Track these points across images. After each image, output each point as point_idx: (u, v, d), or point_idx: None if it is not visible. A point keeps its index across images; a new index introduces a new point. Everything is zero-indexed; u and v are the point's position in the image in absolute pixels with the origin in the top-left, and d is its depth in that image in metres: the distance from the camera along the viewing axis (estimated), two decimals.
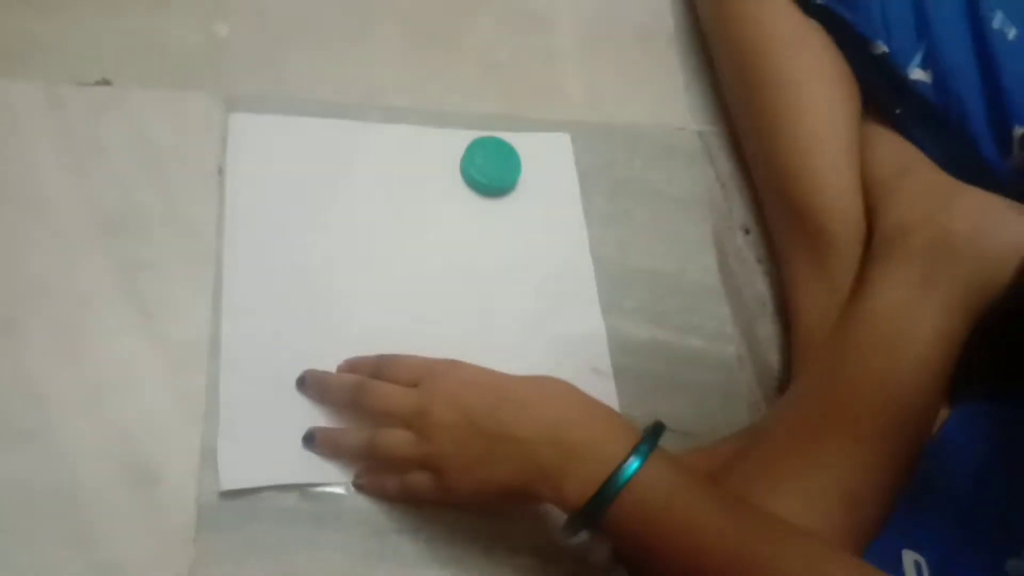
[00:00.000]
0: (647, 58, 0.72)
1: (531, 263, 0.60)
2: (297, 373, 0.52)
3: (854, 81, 0.61)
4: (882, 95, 0.61)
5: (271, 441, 0.50)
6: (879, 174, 0.59)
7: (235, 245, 0.54)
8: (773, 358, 0.62)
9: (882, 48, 0.59)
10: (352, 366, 0.52)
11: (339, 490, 0.50)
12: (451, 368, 0.48)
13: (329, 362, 0.53)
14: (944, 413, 0.52)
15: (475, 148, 0.61)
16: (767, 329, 0.63)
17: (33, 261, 0.52)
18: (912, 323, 0.51)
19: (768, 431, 0.52)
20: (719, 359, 0.61)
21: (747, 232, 0.67)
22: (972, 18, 0.57)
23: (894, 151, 0.60)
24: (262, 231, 0.55)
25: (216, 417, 0.50)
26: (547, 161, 0.64)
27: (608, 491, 0.40)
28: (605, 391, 0.57)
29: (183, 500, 0.48)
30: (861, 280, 0.55)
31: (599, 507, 0.40)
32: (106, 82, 0.58)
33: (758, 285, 0.65)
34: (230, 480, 0.48)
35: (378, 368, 0.50)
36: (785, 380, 0.61)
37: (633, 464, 0.40)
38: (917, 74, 0.58)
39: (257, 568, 0.47)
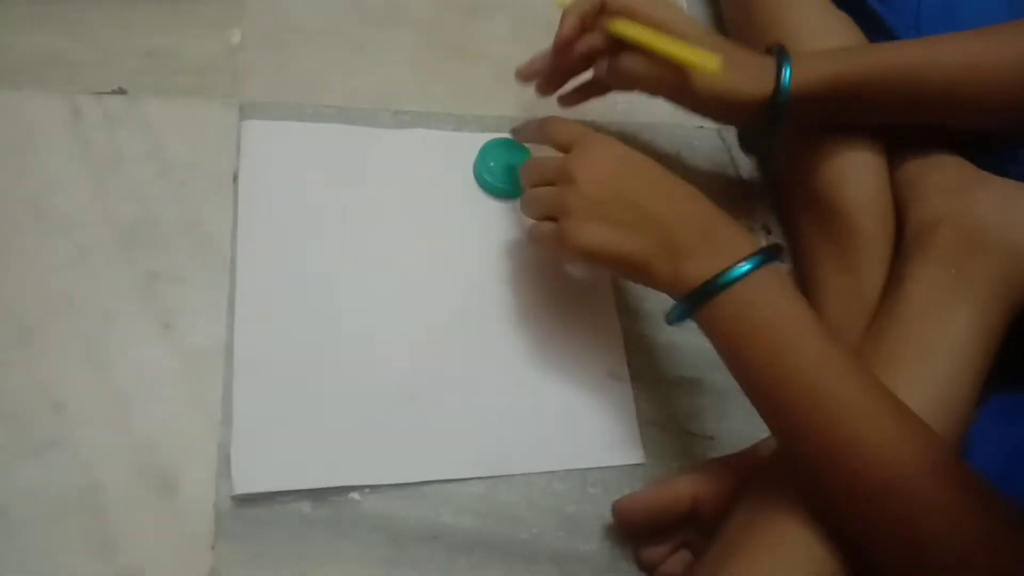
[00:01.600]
0: None
1: (546, 266, 0.59)
2: (310, 379, 0.52)
3: None
4: None
5: (284, 445, 0.50)
6: (906, 169, 0.58)
7: (248, 251, 0.55)
8: None
9: None
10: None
11: (355, 496, 0.50)
12: (601, 140, 0.50)
13: (344, 368, 0.53)
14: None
15: (488, 151, 0.61)
16: None
17: (53, 272, 0.52)
18: (947, 322, 0.50)
19: None
20: None
21: (768, 231, 0.66)
22: (1008, 16, 0.56)
23: (920, 145, 0.59)
24: (275, 237, 0.56)
25: (231, 425, 0.50)
26: None
27: (715, 283, 0.44)
28: (622, 395, 0.56)
29: (202, 507, 0.48)
30: (892, 279, 0.54)
31: (703, 297, 0.44)
32: (122, 91, 0.58)
33: None
34: (244, 484, 0.48)
35: (539, 131, 0.55)
36: None
37: (744, 267, 0.43)
38: None
39: (274, 575, 0.47)
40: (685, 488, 0.50)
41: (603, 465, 0.54)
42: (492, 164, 0.60)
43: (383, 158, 0.60)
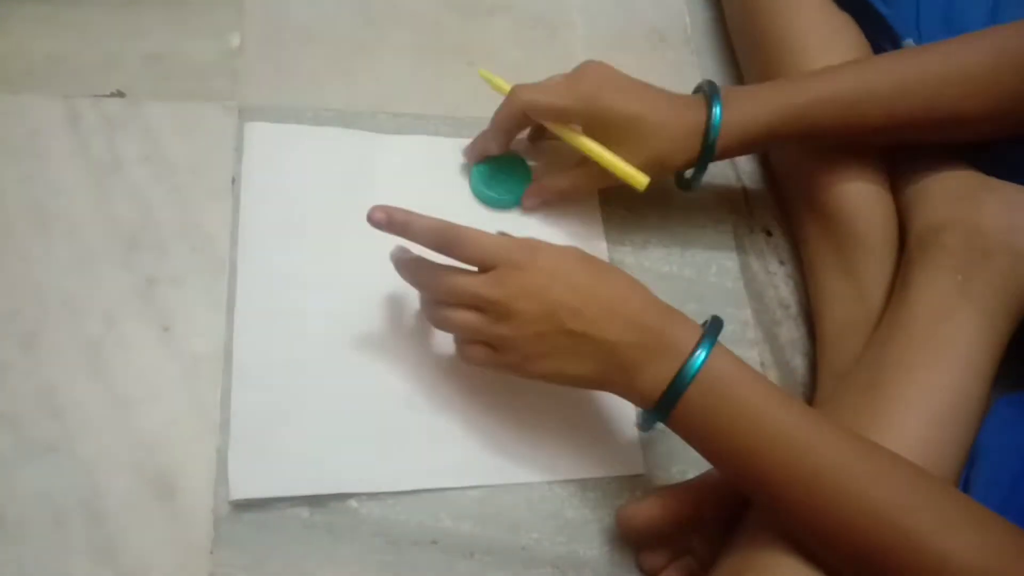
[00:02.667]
0: (663, 59, 0.72)
1: None
2: (308, 385, 0.52)
3: None
4: None
5: (281, 452, 0.50)
6: (910, 174, 0.58)
7: (248, 254, 0.55)
8: (797, 362, 0.61)
9: (911, 45, 0.58)
10: (412, 233, 0.49)
11: (353, 503, 0.50)
12: (525, 257, 0.46)
13: (342, 375, 0.52)
14: None
15: (483, 162, 0.60)
16: (790, 333, 0.62)
17: (54, 276, 0.52)
18: (952, 328, 0.49)
19: None
20: None
21: (769, 234, 0.66)
22: (1004, 15, 0.56)
23: (924, 150, 0.58)
24: (275, 240, 0.55)
25: (229, 429, 0.50)
26: None
27: (679, 384, 0.43)
28: (621, 405, 0.55)
29: (200, 512, 0.48)
30: (898, 285, 0.54)
31: (669, 404, 0.44)
32: (120, 94, 0.58)
33: (780, 288, 0.64)
34: (240, 490, 0.48)
35: (443, 241, 0.48)
36: (810, 385, 0.59)
37: (700, 357, 0.43)
38: None
39: None
40: (687, 495, 0.50)
41: (602, 476, 0.53)
42: (487, 175, 0.60)
43: (384, 163, 0.60)
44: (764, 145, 0.56)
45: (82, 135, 0.56)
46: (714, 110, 0.54)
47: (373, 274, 0.56)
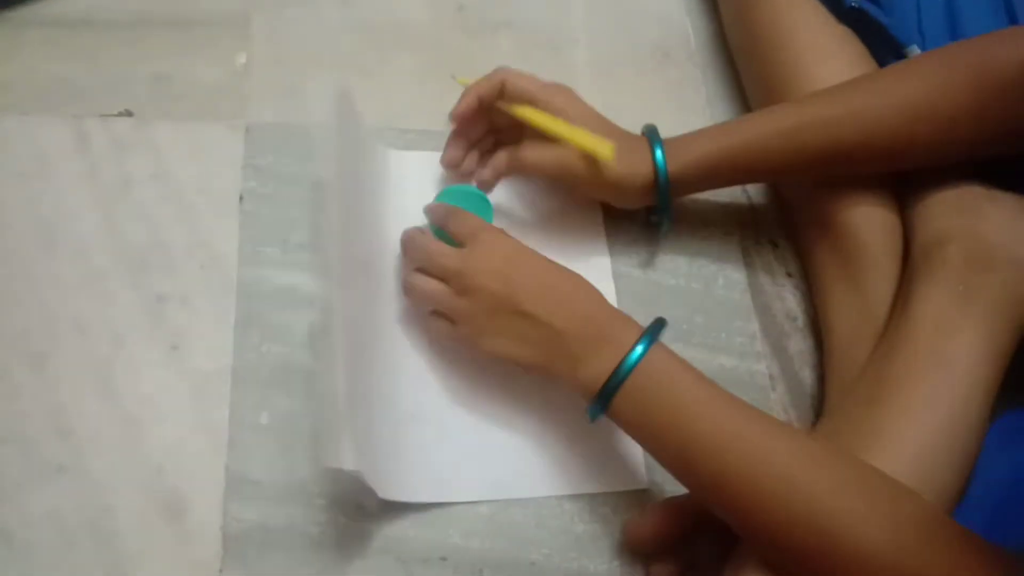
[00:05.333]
0: (667, 74, 0.72)
1: None
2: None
3: None
4: None
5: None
6: (913, 187, 0.58)
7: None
8: (806, 375, 0.61)
9: (916, 52, 0.58)
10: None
11: (362, 519, 0.50)
12: (496, 240, 0.51)
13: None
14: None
15: (443, 198, 0.58)
16: (798, 345, 0.62)
17: (63, 296, 0.52)
18: (954, 341, 0.49)
19: None
20: (750, 377, 0.60)
21: (775, 246, 0.66)
22: (1008, 23, 0.56)
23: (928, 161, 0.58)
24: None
25: (238, 447, 0.50)
26: None
27: (617, 375, 0.45)
28: None
29: (210, 531, 0.48)
30: (900, 297, 0.54)
31: (609, 394, 0.46)
32: (128, 113, 0.59)
33: (788, 300, 0.64)
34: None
35: (443, 214, 0.54)
36: (819, 398, 0.59)
37: (638, 351, 0.45)
38: None
39: None
40: (694, 505, 0.49)
41: (606, 491, 0.53)
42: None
43: (388, 179, 0.60)
44: (710, 179, 0.57)
45: (91, 155, 0.57)
46: (656, 144, 0.55)
47: (379, 288, 0.56)
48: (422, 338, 0.55)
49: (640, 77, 0.70)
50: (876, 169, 0.57)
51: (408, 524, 0.50)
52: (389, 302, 0.56)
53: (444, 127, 0.60)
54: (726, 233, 0.65)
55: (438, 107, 0.60)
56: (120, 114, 0.59)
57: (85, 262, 0.53)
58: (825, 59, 0.60)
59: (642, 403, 0.46)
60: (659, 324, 0.48)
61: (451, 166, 0.59)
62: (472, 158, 0.60)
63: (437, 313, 0.52)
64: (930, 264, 0.53)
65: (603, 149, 0.54)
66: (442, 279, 0.51)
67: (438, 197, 0.58)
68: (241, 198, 0.57)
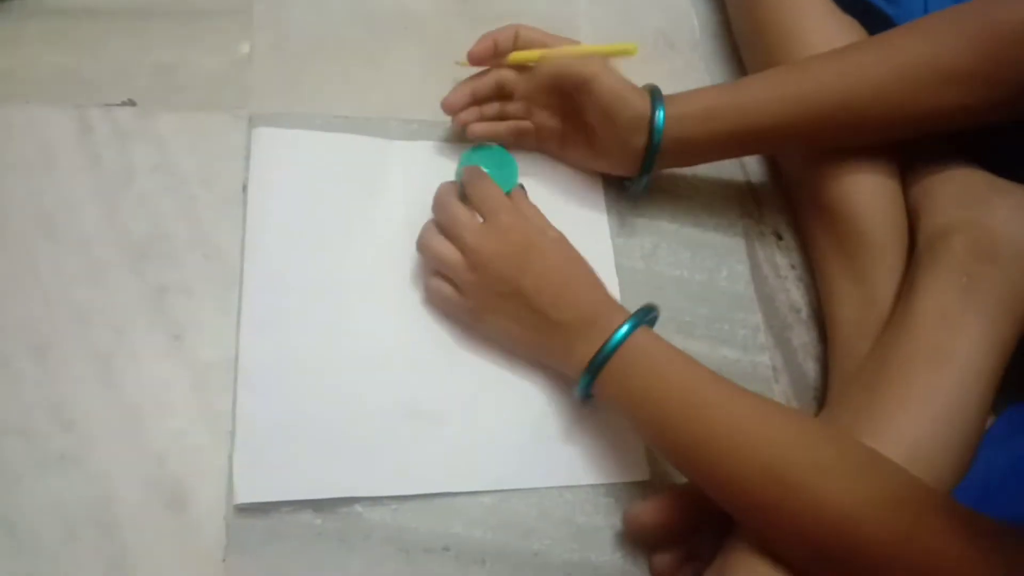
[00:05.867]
0: (671, 64, 0.71)
1: None
2: (314, 390, 0.52)
3: None
4: None
5: (287, 456, 0.50)
6: (919, 178, 0.57)
7: (255, 259, 0.55)
8: (809, 367, 0.60)
9: None
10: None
11: (362, 510, 0.50)
12: (515, 224, 0.52)
13: (349, 380, 0.53)
14: (990, 420, 0.50)
15: (469, 159, 0.60)
16: (802, 337, 0.62)
17: (64, 287, 0.52)
18: (955, 332, 0.49)
19: None
20: (753, 369, 0.60)
21: (779, 237, 0.66)
22: None
23: (931, 151, 0.58)
24: (283, 246, 0.56)
25: (235, 434, 0.50)
26: (572, 172, 0.63)
27: (601, 354, 0.48)
28: None
29: (212, 520, 0.48)
30: (904, 288, 0.54)
31: (596, 367, 0.48)
32: (131, 103, 0.59)
33: (791, 292, 0.63)
34: (245, 494, 0.48)
35: (470, 176, 0.56)
36: (822, 390, 0.59)
37: (622, 330, 0.48)
38: None
39: None
40: (694, 493, 0.49)
41: (607, 482, 0.53)
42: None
43: (392, 169, 0.60)
44: (703, 143, 0.57)
45: (93, 145, 0.57)
46: (658, 102, 0.55)
47: (380, 280, 0.56)
48: (422, 331, 0.55)
49: (644, 67, 0.69)
50: (882, 135, 0.57)
51: (411, 514, 0.50)
52: (391, 293, 0.56)
53: (448, 118, 0.60)
54: (730, 224, 0.65)
55: (442, 97, 0.59)
56: (123, 104, 0.59)
57: (87, 252, 0.53)
58: (830, 47, 0.59)
59: (626, 381, 0.48)
60: (648, 308, 0.50)
61: (449, 110, 0.59)
62: (472, 112, 0.60)
63: (444, 278, 0.54)
64: (934, 256, 0.52)
65: (626, 47, 0.57)
66: (459, 248, 0.52)
67: (464, 155, 0.60)
68: (244, 188, 0.57)
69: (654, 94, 0.56)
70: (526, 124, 0.60)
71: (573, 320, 0.50)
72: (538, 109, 0.60)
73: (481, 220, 0.53)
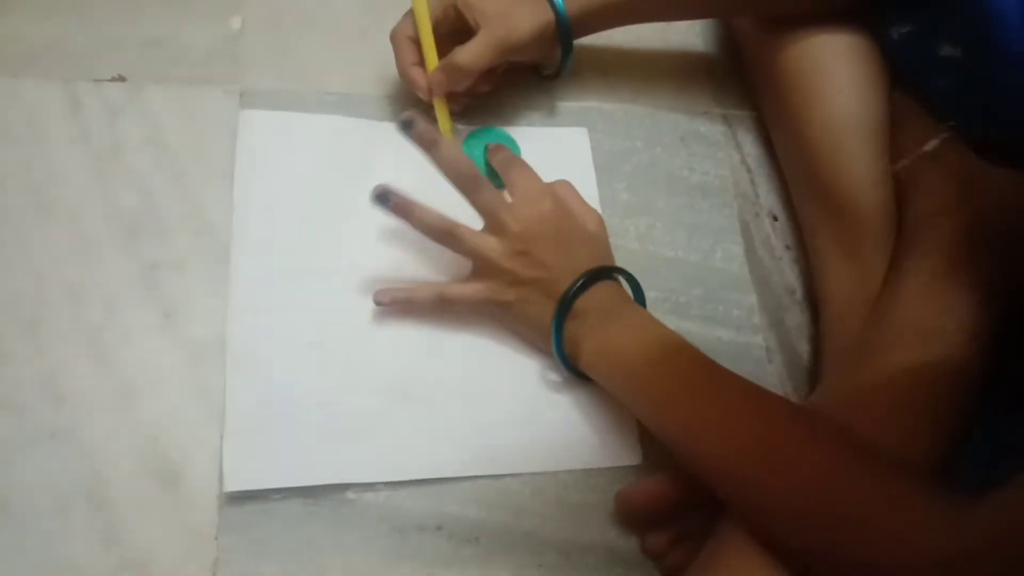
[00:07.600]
0: (668, 43, 0.71)
1: None
2: (305, 375, 0.51)
3: (883, 61, 0.59)
4: (912, 73, 0.59)
5: (277, 443, 0.49)
6: (908, 159, 0.57)
7: (243, 242, 0.54)
8: (803, 348, 0.60)
9: (908, 27, 0.57)
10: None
11: (350, 495, 0.49)
12: (549, 213, 0.52)
13: (339, 362, 0.52)
14: None
15: (469, 142, 0.60)
16: (796, 318, 0.62)
17: (54, 262, 0.52)
18: (941, 312, 0.49)
19: None
20: (747, 350, 0.60)
21: (775, 218, 0.65)
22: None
23: (923, 134, 0.58)
24: (271, 229, 0.55)
25: (224, 420, 0.49)
26: (564, 156, 0.63)
27: (560, 305, 0.50)
28: None
29: (205, 498, 0.48)
30: (892, 269, 0.54)
31: (558, 322, 0.50)
32: (121, 78, 0.58)
33: (786, 273, 0.63)
34: (235, 481, 0.48)
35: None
36: (815, 371, 0.59)
37: (578, 283, 0.50)
38: (946, 50, 0.55)
39: (279, 566, 0.47)
40: (685, 476, 0.50)
41: (600, 466, 0.53)
42: (474, 154, 0.59)
43: (382, 150, 0.59)
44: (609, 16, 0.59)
45: (83, 120, 0.56)
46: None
47: (371, 262, 0.55)
48: (415, 317, 0.55)
49: (641, 46, 0.69)
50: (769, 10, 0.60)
51: (404, 493, 0.50)
52: (382, 276, 0.55)
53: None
54: (725, 205, 0.65)
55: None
56: (113, 79, 0.58)
57: (77, 228, 0.53)
58: (822, 31, 0.59)
59: (585, 327, 0.50)
60: (613, 268, 0.53)
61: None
62: (419, 72, 0.59)
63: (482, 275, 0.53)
64: (922, 236, 0.53)
65: None
66: (497, 226, 0.51)
67: (468, 137, 0.60)
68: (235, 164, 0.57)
69: None
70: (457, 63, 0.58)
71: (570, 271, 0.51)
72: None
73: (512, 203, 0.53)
